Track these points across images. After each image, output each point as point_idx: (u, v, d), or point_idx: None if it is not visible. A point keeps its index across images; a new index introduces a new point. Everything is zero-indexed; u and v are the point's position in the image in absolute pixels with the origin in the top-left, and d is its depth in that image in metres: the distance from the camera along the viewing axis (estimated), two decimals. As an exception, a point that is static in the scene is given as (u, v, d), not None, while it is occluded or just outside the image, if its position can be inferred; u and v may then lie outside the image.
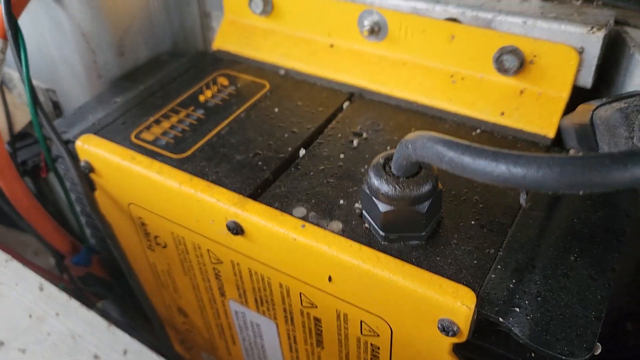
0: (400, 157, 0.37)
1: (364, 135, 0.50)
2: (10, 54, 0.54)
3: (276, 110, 0.54)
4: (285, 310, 0.47)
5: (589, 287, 0.38)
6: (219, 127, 0.52)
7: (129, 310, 0.71)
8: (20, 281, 0.32)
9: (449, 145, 0.31)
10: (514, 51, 0.48)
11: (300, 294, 0.44)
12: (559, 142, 0.48)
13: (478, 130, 0.50)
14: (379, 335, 0.42)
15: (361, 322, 0.42)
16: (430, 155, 0.33)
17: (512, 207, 0.42)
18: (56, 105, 0.69)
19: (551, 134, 0.48)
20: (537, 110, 0.48)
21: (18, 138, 0.66)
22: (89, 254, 0.62)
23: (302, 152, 0.49)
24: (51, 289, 0.32)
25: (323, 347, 0.48)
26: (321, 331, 0.46)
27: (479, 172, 0.30)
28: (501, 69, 0.49)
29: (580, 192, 0.31)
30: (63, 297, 0.31)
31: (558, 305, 0.36)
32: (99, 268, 0.65)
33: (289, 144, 0.49)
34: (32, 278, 0.33)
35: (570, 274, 0.38)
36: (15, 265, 0.34)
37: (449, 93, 0.52)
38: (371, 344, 0.43)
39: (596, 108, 0.40)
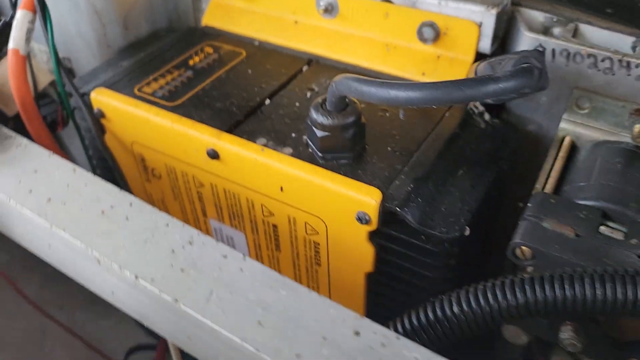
0: (330, 94, 0.51)
1: (316, 90, 0.64)
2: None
3: (250, 72, 0.68)
4: (251, 221, 0.61)
5: (468, 192, 0.52)
6: (204, 84, 0.66)
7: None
8: (60, 167, 0.46)
9: (354, 79, 0.46)
10: (432, 25, 0.62)
11: (261, 205, 0.58)
12: (464, 95, 0.62)
13: (405, 87, 0.64)
14: (318, 233, 0.56)
15: (305, 223, 0.56)
16: (344, 88, 0.47)
17: (420, 138, 0.56)
18: (70, 71, 0.83)
19: (459, 89, 0.62)
20: (450, 71, 0.62)
21: (39, 97, 0.80)
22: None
23: (268, 101, 0.63)
24: (81, 170, 0.45)
25: (280, 251, 0.62)
26: (278, 236, 0.60)
27: (373, 95, 0.44)
28: (422, 39, 0.63)
29: (438, 105, 0.44)
30: (89, 175, 0.45)
31: (442, 203, 0.51)
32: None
33: (258, 95, 0.63)
34: (69, 165, 0.46)
35: (455, 184, 0.53)
36: (56, 158, 0.47)
37: (384, 59, 0.66)
38: (313, 242, 0.57)
39: (477, 65, 0.54)
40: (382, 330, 0.34)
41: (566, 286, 0.41)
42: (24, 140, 0.50)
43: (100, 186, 0.43)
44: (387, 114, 0.60)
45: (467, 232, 0.49)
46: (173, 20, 0.83)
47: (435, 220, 0.49)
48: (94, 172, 0.80)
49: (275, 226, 0.59)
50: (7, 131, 0.52)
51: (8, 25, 0.70)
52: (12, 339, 1.09)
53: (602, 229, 0.49)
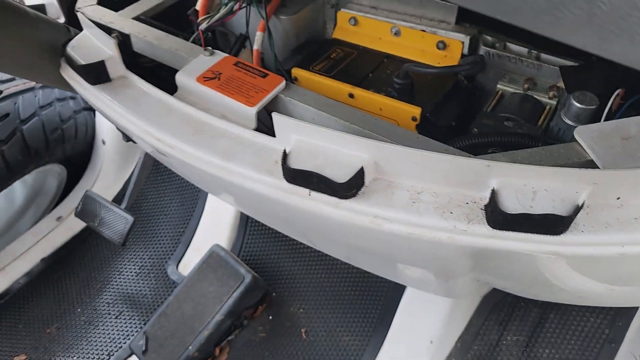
0: (402, 70, 1.32)
1: (391, 70, 1.45)
2: None
3: (359, 61, 1.49)
4: (364, 125, 1.43)
5: (454, 108, 1.33)
6: (341, 66, 1.47)
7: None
8: None
9: (410, 64, 1.27)
10: (443, 42, 1.42)
11: (370, 117, 1.40)
12: (456, 73, 1.42)
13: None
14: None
15: (389, 123, 1.38)
16: (408, 68, 1.28)
17: (436, 89, 1.37)
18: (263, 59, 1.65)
19: (454, 70, 1.42)
20: (450, 62, 1.43)
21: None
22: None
23: (370, 75, 1.44)
24: None
25: (376, 138, 1.44)
26: (376, 131, 1.42)
27: (413, 69, 1.25)
28: (439, 48, 1.43)
29: (445, 72, 1.25)
30: None
31: (443, 110, 1.32)
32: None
33: (366, 71, 1.44)
34: None
35: (448, 104, 1.34)
36: None
37: (422, 57, 1.46)
38: (392, 132, 1.39)
39: (463, 59, 1.35)
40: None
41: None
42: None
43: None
44: (423, 81, 1.41)
45: (454, 123, 1.30)
46: (312, 35, 1.65)
47: (439, 118, 1.30)
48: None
49: (374, 127, 1.41)
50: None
51: (246, 37, 1.52)
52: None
53: (505, 122, 1.29)
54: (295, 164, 1.02)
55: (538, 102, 1.35)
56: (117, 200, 2.50)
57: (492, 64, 1.40)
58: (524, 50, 1.38)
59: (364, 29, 1.54)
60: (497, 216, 0.93)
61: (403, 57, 1.49)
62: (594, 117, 1.21)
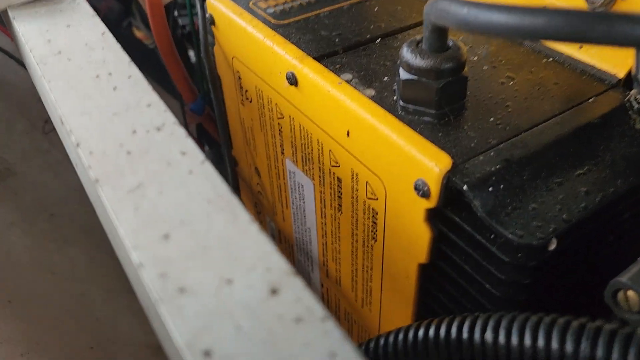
0: (425, 25, 0.40)
1: (440, 40, 0.53)
2: None
3: (375, 9, 0.59)
4: (320, 169, 0.53)
5: (576, 198, 0.38)
6: (321, 11, 0.58)
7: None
8: (94, 28, 0.42)
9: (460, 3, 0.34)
10: (610, -16, 0.47)
11: (329, 151, 0.50)
12: (627, 84, 0.46)
13: (550, 59, 0.49)
14: (377, 199, 0.46)
15: (367, 183, 0.46)
16: (435, 12, 0.36)
17: (540, 118, 0.43)
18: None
19: (621, 74, 0.46)
20: (614, 50, 0.47)
21: (181, 7, 0.80)
22: (203, 103, 0.74)
23: (378, 40, 0.53)
24: (109, 36, 0.41)
25: (342, 212, 0.53)
26: (341, 193, 0.51)
27: (471, 21, 0.33)
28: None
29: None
30: (112, 41, 0.41)
31: (533, 200, 0.37)
32: (208, 123, 0.77)
33: (370, 33, 0.54)
34: (101, 27, 0.43)
35: (565, 183, 0.39)
36: (99, 22, 0.44)
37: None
38: (372, 209, 0.47)
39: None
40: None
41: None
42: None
43: (113, 52, 0.39)
44: (511, 83, 0.47)
45: (553, 245, 0.35)
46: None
47: (512, 217, 0.36)
48: (204, 88, 0.78)
49: (339, 180, 0.50)
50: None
51: None
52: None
53: None
54: None
55: None
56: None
57: None
58: None
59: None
60: None
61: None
62: None
